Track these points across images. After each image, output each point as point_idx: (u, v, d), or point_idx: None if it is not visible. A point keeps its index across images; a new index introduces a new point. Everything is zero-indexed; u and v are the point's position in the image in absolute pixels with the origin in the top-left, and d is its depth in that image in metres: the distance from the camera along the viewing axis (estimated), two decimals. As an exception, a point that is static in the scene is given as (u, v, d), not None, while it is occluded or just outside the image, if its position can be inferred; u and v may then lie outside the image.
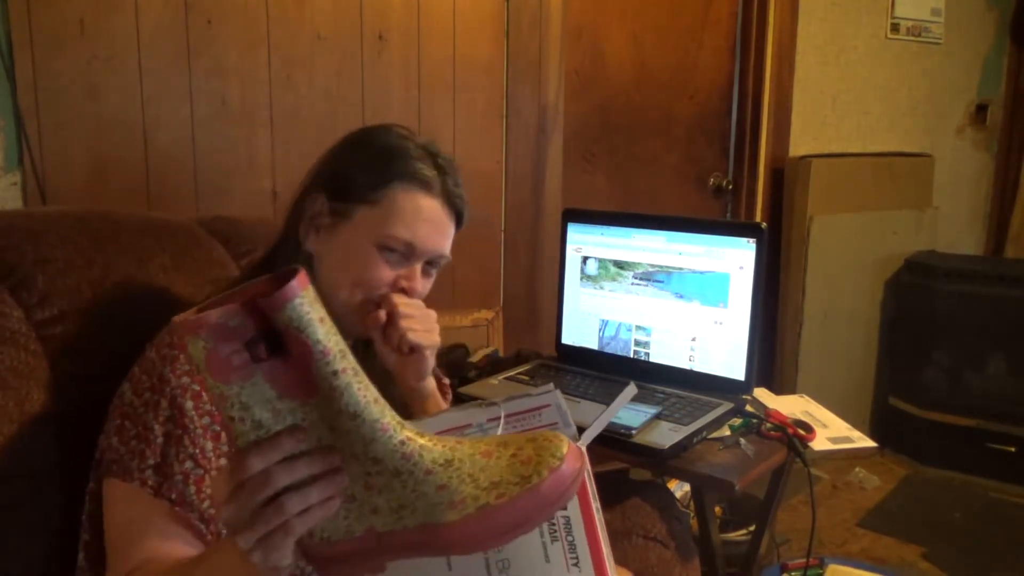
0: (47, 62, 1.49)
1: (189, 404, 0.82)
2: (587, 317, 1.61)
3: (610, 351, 1.58)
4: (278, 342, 0.56)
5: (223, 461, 0.82)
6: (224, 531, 0.78)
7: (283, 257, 0.96)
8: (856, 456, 2.66)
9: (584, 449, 0.78)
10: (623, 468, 1.61)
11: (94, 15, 1.52)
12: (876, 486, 2.70)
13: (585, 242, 1.60)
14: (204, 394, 0.83)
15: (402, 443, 0.59)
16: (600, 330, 1.59)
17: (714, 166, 2.70)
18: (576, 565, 0.75)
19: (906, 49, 3.07)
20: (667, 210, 2.49)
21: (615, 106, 2.41)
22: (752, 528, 1.82)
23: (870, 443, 1.45)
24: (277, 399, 0.57)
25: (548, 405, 0.77)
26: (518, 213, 2.16)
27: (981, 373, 2.83)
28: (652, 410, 1.33)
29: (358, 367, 0.59)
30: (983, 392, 2.82)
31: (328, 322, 0.57)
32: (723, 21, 2.61)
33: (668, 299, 1.50)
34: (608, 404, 0.82)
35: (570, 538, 0.75)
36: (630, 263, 1.55)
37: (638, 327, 1.54)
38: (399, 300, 0.96)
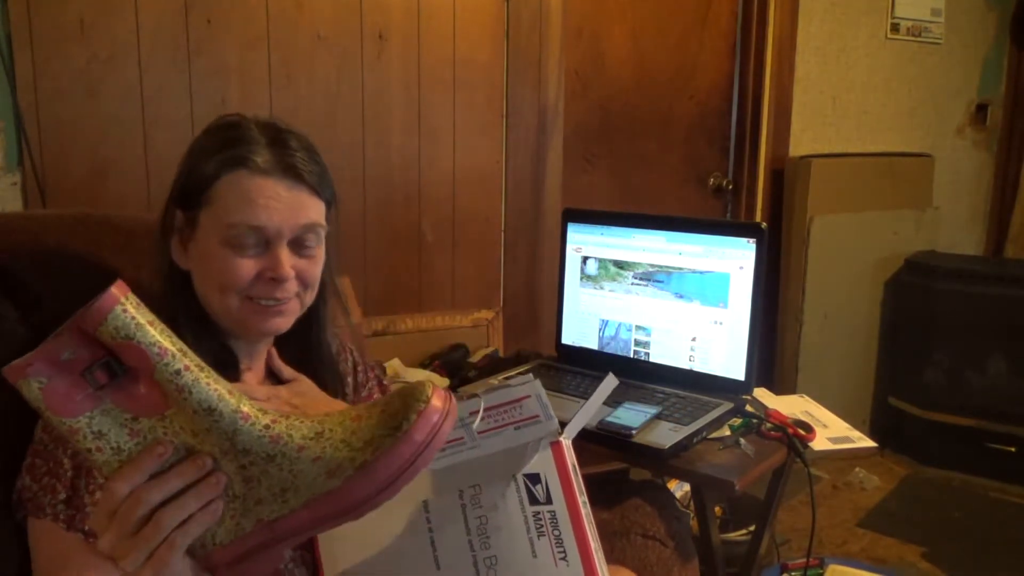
0: (47, 62, 1.49)
1: None
2: (587, 317, 1.61)
3: (610, 351, 1.58)
4: (116, 366, 0.56)
5: None
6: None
7: (169, 285, 0.91)
8: (856, 456, 2.66)
9: (569, 442, 0.78)
10: (623, 468, 1.60)
11: (94, 15, 1.52)
12: (876, 486, 2.70)
13: (585, 242, 1.60)
14: None
15: (267, 427, 0.59)
16: (600, 330, 1.59)
17: (714, 166, 2.70)
18: (564, 559, 0.75)
19: (906, 49, 3.06)
20: (667, 210, 2.49)
21: (615, 106, 2.41)
22: (752, 528, 1.82)
23: (870, 443, 1.45)
24: (132, 420, 0.57)
25: (528, 396, 0.77)
26: (518, 213, 2.16)
27: (981, 373, 2.83)
28: (652, 410, 1.33)
29: (203, 363, 0.58)
30: (983, 392, 2.82)
31: (159, 324, 0.56)
32: (723, 21, 2.61)
33: (668, 299, 1.50)
34: (599, 401, 0.82)
35: (556, 533, 0.75)
36: (630, 263, 1.55)
37: (638, 327, 1.54)
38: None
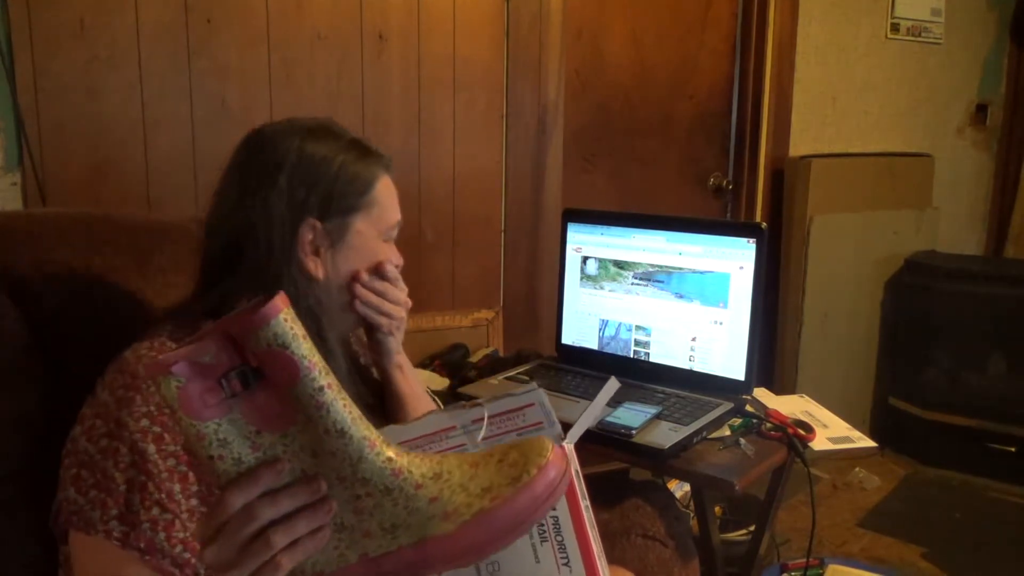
0: (47, 62, 1.49)
1: (151, 448, 0.78)
2: (587, 317, 1.61)
3: (610, 351, 1.58)
4: (251, 377, 0.56)
5: (193, 502, 0.79)
6: (203, 573, 0.76)
7: (305, 300, 0.91)
8: (856, 456, 2.65)
9: (571, 447, 0.78)
10: (623, 468, 1.61)
11: (94, 15, 1.52)
12: (876, 486, 2.69)
13: (585, 242, 1.60)
14: (166, 435, 0.79)
15: (390, 460, 0.58)
16: (600, 330, 1.59)
17: (714, 166, 2.70)
18: (567, 565, 0.75)
19: (906, 49, 3.06)
20: (667, 210, 2.49)
21: (615, 106, 2.41)
22: (752, 528, 1.82)
23: (870, 443, 1.45)
24: (256, 434, 0.57)
25: (532, 404, 0.76)
26: (518, 213, 2.16)
27: (981, 373, 2.83)
28: (652, 410, 1.33)
29: (340, 386, 0.58)
30: (983, 392, 2.82)
31: (309, 340, 0.56)
32: (723, 21, 2.61)
33: (668, 299, 1.50)
34: (602, 405, 0.82)
35: (559, 538, 0.75)
36: (630, 263, 1.55)
37: (638, 327, 1.54)
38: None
